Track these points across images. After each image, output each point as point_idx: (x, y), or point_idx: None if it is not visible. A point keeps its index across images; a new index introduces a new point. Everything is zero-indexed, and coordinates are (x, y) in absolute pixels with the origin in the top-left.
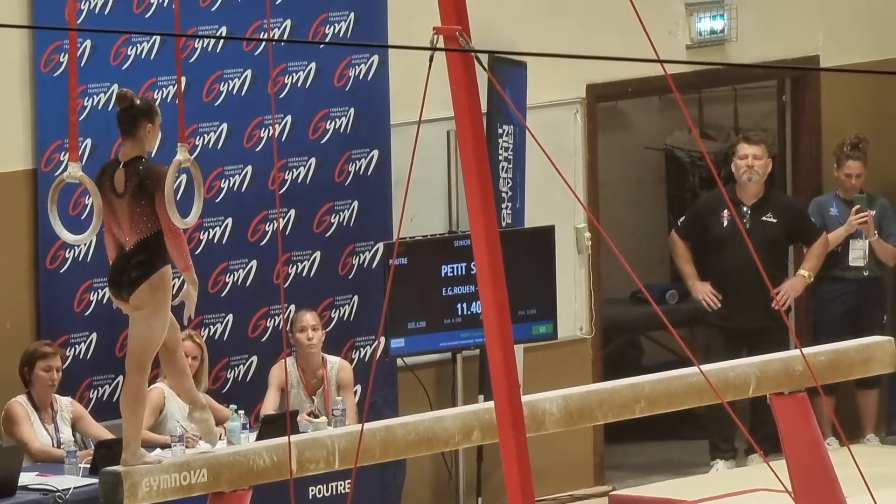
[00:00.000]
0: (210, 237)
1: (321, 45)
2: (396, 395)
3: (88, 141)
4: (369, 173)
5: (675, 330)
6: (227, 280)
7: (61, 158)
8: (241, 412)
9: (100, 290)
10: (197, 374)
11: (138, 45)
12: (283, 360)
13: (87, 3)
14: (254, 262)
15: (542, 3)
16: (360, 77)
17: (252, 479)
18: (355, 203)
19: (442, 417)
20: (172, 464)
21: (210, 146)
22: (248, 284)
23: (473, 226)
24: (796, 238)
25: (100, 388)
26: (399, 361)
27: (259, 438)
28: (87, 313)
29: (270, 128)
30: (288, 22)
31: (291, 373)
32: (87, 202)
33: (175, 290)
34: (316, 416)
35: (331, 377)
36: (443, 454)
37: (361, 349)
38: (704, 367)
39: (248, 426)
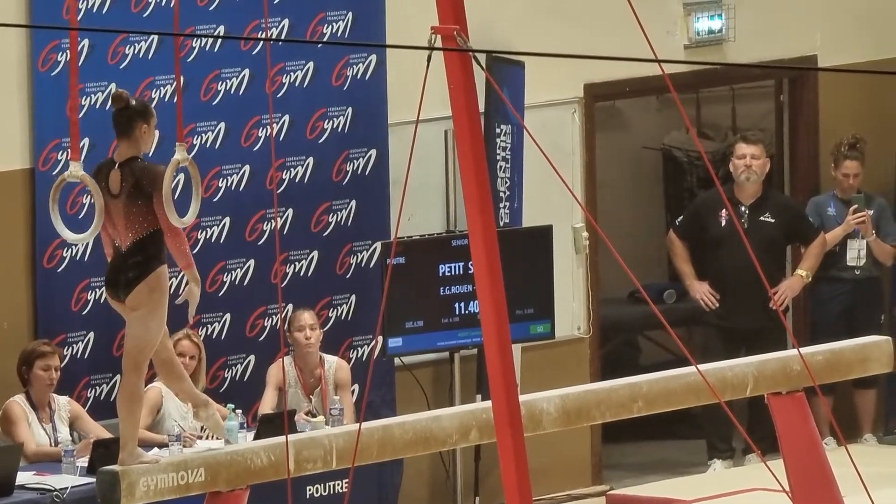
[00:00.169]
0: (208, 236)
1: (319, 45)
2: (394, 394)
3: (86, 140)
4: (367, 173)
5: (672, 329)
6: (224, 279)
7: (59, 158)
8: (239, 411)
9: (97, 290)
10: (195, 373)
11: (136, 45)
12: (281, 360)
13: (85, 2)
14: (251, 262)
15: (540, 2)
16: (358, 76)
17: (249, 478)
18: (353, 202)
19: (439, 417)
20: (170, 463)
21: (208, 146)
22: (245, 284)
23: (471, 225)
24: (794, 238)
25: (97, 388)
26: (397, 361)
27: (257, 438)
28: (84, 312)
29: (268, 127)
30: (286, 21)
31: (289, 372)
32: (84, 201)
33: (174, 288)
34: (313, 416)
35: (328, 376)
36: (440, 454)
37: (359, 348)
38: (702, 367)
39: (245, 425)
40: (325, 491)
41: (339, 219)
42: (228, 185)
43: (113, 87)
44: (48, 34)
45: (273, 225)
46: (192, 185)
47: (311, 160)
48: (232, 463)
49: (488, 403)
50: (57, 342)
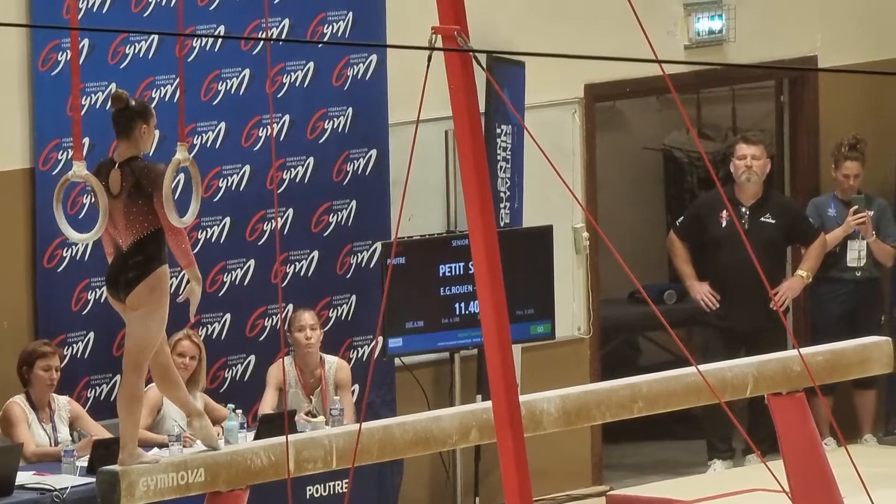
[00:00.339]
0: (208, 236)
1: (319, 45)
2: (394, 394)
3: (86, 140)
4: (367, 173)
5: (673, 330)
6: (225, 279)
7: (59, 157)
8: (239, 411)
9: (97, 290)
10: (195, 373)
11: (136, 45)
12: (281, 360)
13: (86, 1)
14: (252, 262)
15: (540, 3)
16: (359, 77)
17: (249, 478)
18: (353, 203)
19: (440, 417)
20: (170, 463)
21: (208, 145)
22: (246, 284)
23: (471, 225)
24: (794, 239)
25: (97, 388)
26: (397, 361)
27: (257, 438)
28: (84, 312)
29: (269, 127)
30: (286, 21)
31: (289, 372)
32: (84, 201)
33: (174, 288)
34: (314, 416)
35: (329, 377)
36: (440, 454)
37: (359, 349)
38: (702, 368)
39: (245, 426)
40: (325, 491)
41: (339, 219)
42: (229, 185)
43: (113, 86)
44: (48, 34)
45: (273, 225)
46: (193, 185)
47: (311, 160)
48: (232, 463)
49: (488, 404)
50: (57, 342)
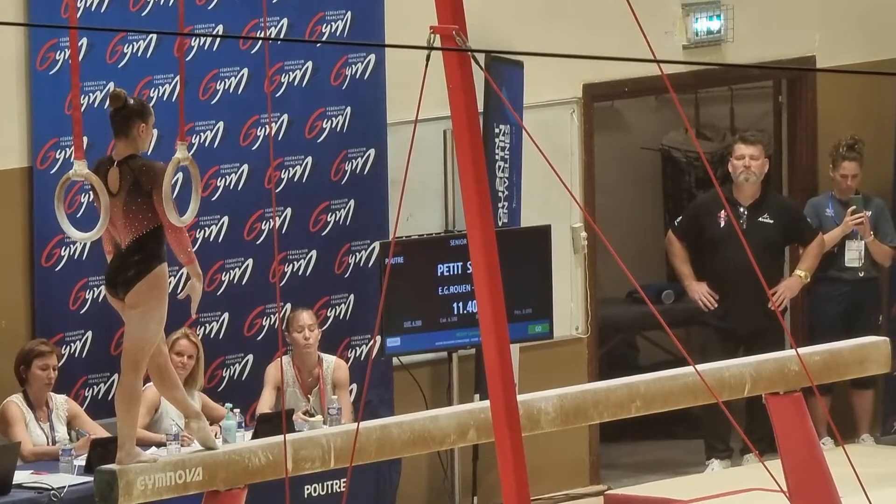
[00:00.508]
0: (206, 236)
1: (318, 44)
2: (392, 394)
3: (85, 139)
4: (365, 172)
5: (671, 330)
6: (223, 278)
7: (57, 156)
8: (237, 411)
9: (95, 289)
10: (193, 372)
11: (134, 44)
12: (279, 359)
13: (84, 0)
14: (250, 261)
15: (538, 2)
16: (357, 76)
17: (247, 477)
18: (351, 202)
19: (437, 417)
20: (168, 462)
21: (206, 145)
22: (244, 283)
23: (470, 225)
24: (792, 239)
25: (95, 387)
26: (395, 360)
27: (255, 437)
28: (82, 311)
29: (267, 126)
30: (284, 21)
31: (287, 371)
32: (82, 200)
33: (174, 286)
34: (312, 415)
35: (327, 376)
36: (438, 453)
37: (357, 348)
38: (700, 367)
39: (243, 425)
40: (322, 490)
41: (337, 218)
42: (227, 184)
43: (111, 86)
44: (46, 33)
45: (271, 224)
46: (192, 183)
47: (309, 160)
48: (230, 462)
49: (486, 403)
50: (55, 341)
